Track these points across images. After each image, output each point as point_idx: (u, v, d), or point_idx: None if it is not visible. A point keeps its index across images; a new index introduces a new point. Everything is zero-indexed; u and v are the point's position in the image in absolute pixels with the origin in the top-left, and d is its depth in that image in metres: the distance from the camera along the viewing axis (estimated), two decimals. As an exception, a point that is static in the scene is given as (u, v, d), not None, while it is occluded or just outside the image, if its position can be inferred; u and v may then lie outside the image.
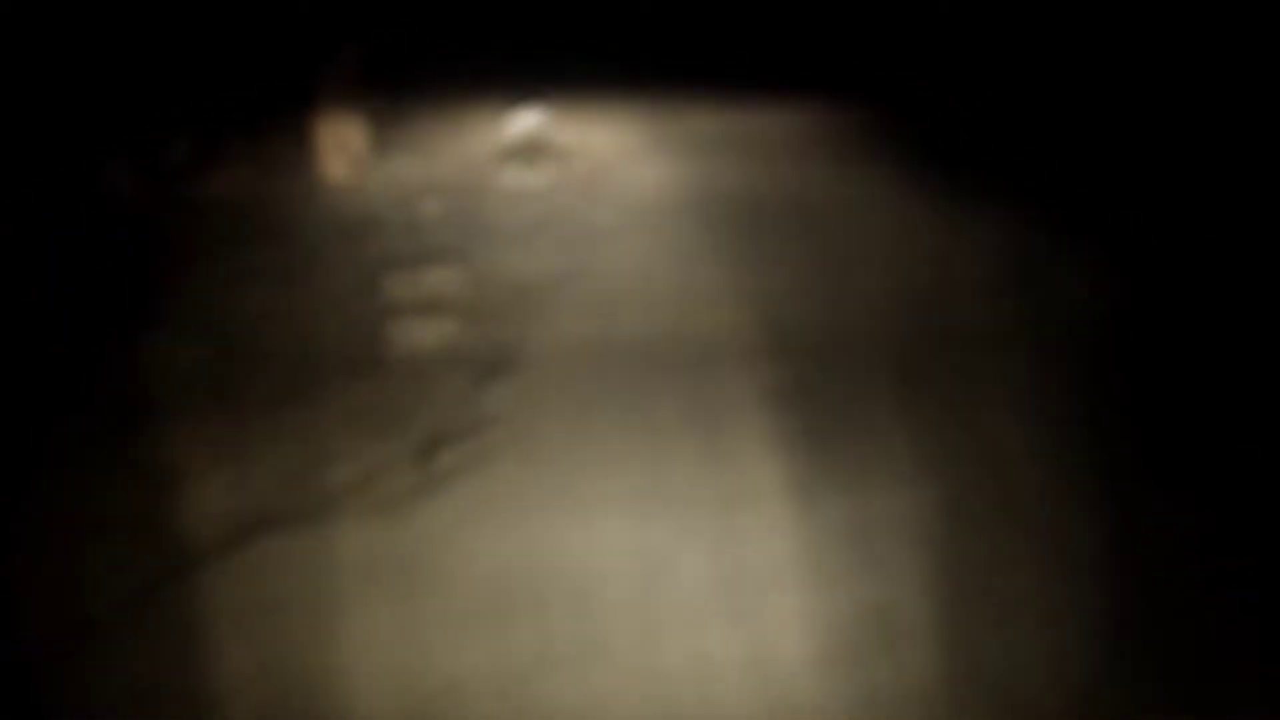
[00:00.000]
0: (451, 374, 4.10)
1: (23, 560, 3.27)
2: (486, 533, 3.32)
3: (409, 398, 3.98)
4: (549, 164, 6.50)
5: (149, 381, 4.35)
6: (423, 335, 4.44)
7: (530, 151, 6.71)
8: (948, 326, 4.73)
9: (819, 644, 2.95)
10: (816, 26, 9.69)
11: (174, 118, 6.71)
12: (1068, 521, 3.48)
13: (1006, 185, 6.29)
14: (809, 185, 6.60)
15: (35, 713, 2.74)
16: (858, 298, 5.05)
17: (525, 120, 7.28)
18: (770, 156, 7.13)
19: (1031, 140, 6.89)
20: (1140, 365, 4.49)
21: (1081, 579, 3.21)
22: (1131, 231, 5.78)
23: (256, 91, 7.82)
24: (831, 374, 4.36)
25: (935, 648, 2.96)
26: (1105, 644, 2.97)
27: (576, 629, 2.98)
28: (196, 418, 3.96)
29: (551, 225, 5.61)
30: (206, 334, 4.64)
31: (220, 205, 6.30)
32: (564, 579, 3.16)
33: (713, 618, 3.03)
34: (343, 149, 6.54)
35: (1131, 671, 2.90)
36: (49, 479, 3.68)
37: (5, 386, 4.27)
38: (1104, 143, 6.71)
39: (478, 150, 6.92)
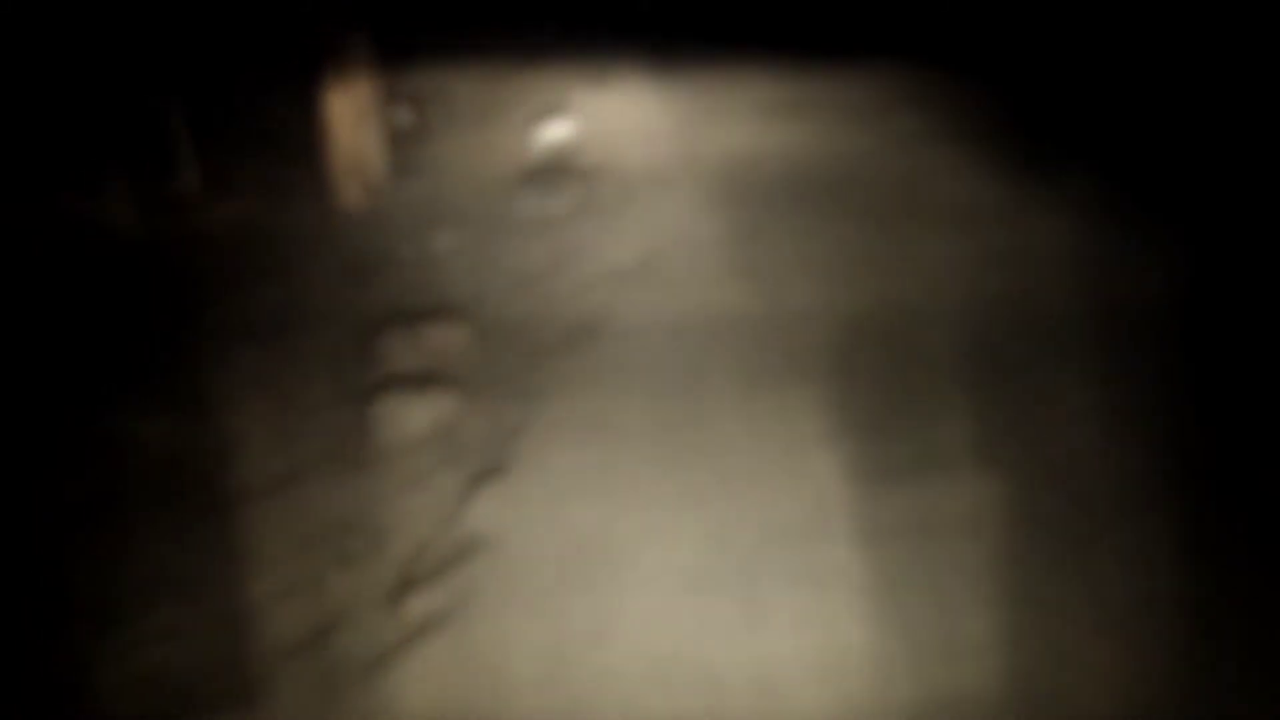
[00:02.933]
0: (440, 474, 3.45)
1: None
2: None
3: (388, 509, 3.35)
4: (575, 186, 5.81)
5: (109, 467, 3.81)
6: (415, 417, 3.78)
7: (555, 172, 6.03)
8: (1019, 310, 4.24)
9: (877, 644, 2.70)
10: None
11: (179, 139, 6.12)
12: (1138, 521, 3.09)
13: (1086, 164, 5.64)
14: (875, 157, 5.95)
15: None
16: (925, 276, 4.51)
17: (552, 133, 6.67)
18: (835, 126, 6.51)
19: (1113, 116, 6.21)
20: (1217, 358, 4.05)
21: (1152, 583, 2.86)
22: (1214, 218, 5.17)
23: (268, 110, 7.28)
24: (897, 355, 3.92)
25: (995, 652, 2.68)
26: (1175, 654, 2.68)
27: None
28: (141, 527, 3.39)
29: (573, 262, 4.94)
30: (182, 408, 4.07)
31: (223, 239, 5.72)
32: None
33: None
34: (357, 172, 5.92)
35: (1204, 685, 2.57)
36: None
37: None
38: (1188, 123, 6.01)
39: (499, 170, 6.17)
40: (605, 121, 6.83)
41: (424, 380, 3.93)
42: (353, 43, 5.94)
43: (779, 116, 6.72)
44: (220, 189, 6.14)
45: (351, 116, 5.86)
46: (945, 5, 8.16)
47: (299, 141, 6.60)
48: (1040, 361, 3.88)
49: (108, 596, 3.02)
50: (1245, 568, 2.98)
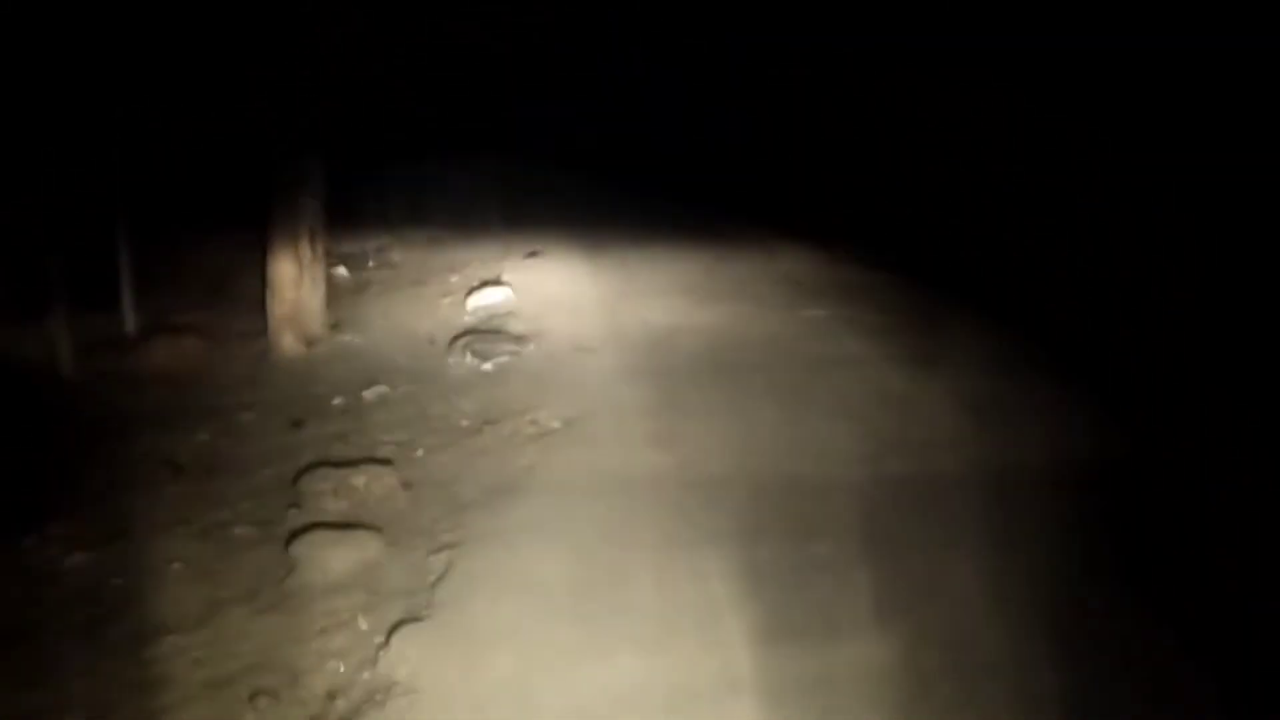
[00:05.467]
0: (359, 619, 3.44)
1: None
2: None
3: (305, 651, 3.32)
4: (508, 347, 5.98)
5: (28, 597, 3.71)
6: (337, 562, 3.77)
7: (489, 335, 6.19)
8: (914, 487, 4.32)
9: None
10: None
11: (121, 279, 6.16)
12: (1017, 677, 3.13)
13: (978, 358, 5.91)
14: (785, 342, 6.17)
15: None
16: (828, 454, 4.59)
17: (487, 299, 6.86)
18: (748, 312, 6.74)
19: (1007, 310, 6.52)
20: (1101, 513, 4.17)
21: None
22: (1099, 379, 5.45)
23: (212, 257, 7.37)
24: (802, 524, 3.96)
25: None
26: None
27: None
28: (57, 658, 3.31)
29: (502, 421, 5.04)
30: (105, 542, 4.01)
31: (160, 380, 5.73)
32: None
33: None
34: (295, 323, 6.00)
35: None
36: None
37: None
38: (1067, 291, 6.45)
39: (433, 329, 6.35)
40: (536, 293, 7.06)
41: (347, 526, 3.95)
42: (302, 202, 6.09)
43: (697, 299, 7.01)
44: (158, 331, 6.17)
45: (294, 271, 5.97)
46: (854, 207, 8.63)
47: (240, 290, 6.70)
48: (932, 533, 3.95)
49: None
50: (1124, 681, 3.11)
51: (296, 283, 6.01)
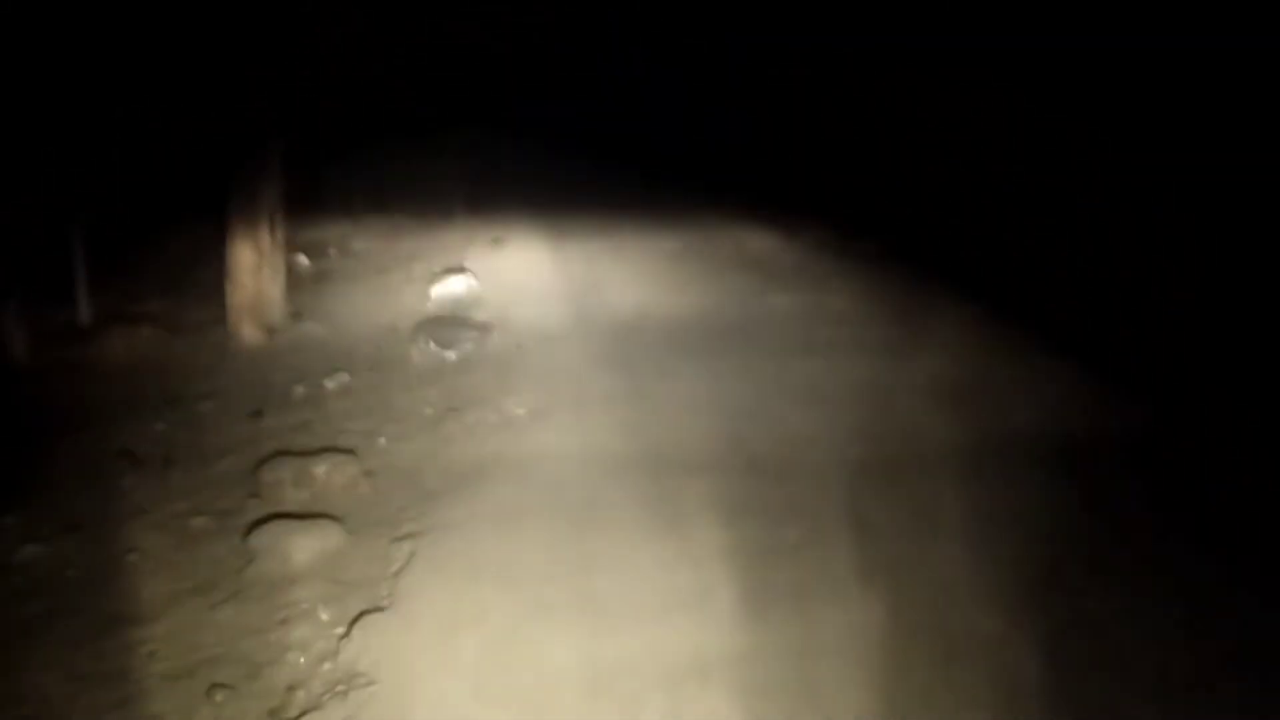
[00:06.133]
0: (320, 609, 3.38)
1: None
2: None
3: (265, 642, 3.26)
4: (470, 335, 5.90)
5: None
6: (298, 552, 3.70)
7: (451, 324, 6.08)
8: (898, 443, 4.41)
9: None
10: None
11: (78, 270, 6.03)
12: (1005, 647, 3.16)
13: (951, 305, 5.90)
14: (752, 326, 6.17)
15: None
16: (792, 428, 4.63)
17: (450, 288, 6.76)
18: (714, 298, 6.74)
19: (991, 268, 6.61)
20: (1084, 490, 4.17)
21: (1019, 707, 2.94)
22: (1091, 367, 5.45)
23: (171, 246, 7.23)
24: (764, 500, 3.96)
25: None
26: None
27: None
28: (16, 650, 3.22)
29: (467, 409, 4.97)
30: (64, 533, 3.90)
31: (115, 370, 5.60)
32: None
33: None
34: (256, 312, 5.90)
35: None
36: None
37: None
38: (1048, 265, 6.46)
39: (395, 318, 6.25)
40: (501, 280, 6.99)
41: (308, 516, 3.87)
42: (262, 189, 5.99)
43: (662, 285, 7.00)
44: (115, 321, 6.04)
45: (254, 259, 5.87)
46: (849, 203, 8.60)
47: (200, 279, 6.58)
48: (909, 514, 3.92)
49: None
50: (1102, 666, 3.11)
51: (256, 271, 5.90)
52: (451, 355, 5.64)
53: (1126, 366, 5.39)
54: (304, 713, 2.89)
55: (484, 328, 6.01)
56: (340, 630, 3.22)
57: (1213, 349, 5.39)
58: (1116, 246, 6.26)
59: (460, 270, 6.91)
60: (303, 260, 7.22)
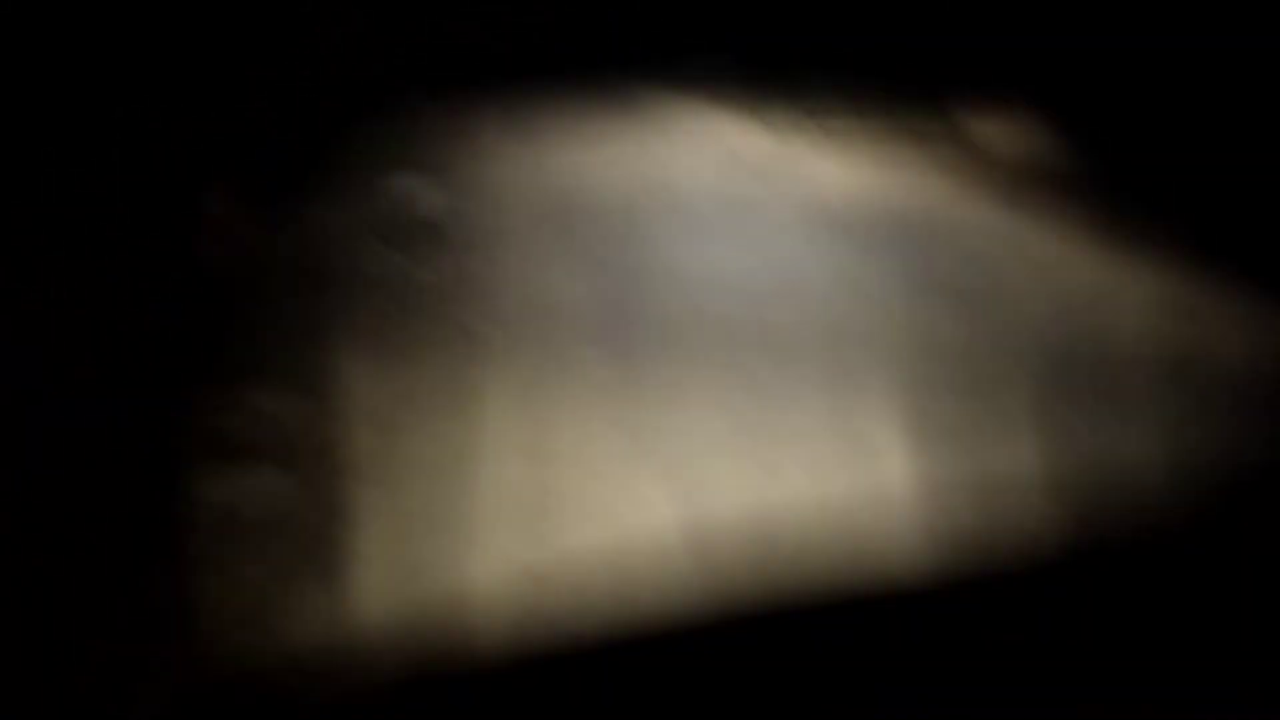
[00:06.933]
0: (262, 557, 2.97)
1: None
2: None
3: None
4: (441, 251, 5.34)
5: None
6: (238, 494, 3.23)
7: (421, 235, 5.54)
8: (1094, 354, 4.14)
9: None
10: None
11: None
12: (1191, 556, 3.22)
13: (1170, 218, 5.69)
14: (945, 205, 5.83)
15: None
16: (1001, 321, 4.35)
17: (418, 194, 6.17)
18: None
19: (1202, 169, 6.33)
20: None
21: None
22: None
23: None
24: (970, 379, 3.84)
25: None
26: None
27: None
28: None
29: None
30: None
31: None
32: None
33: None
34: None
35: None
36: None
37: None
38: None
39: (359, 229, 5.24)
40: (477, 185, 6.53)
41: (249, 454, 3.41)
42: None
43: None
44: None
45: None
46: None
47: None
48: (1109, 404, 3.80)
49: None
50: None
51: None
52: (422, 270, 5.20)
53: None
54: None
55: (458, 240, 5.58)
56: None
57: None
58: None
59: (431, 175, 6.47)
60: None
